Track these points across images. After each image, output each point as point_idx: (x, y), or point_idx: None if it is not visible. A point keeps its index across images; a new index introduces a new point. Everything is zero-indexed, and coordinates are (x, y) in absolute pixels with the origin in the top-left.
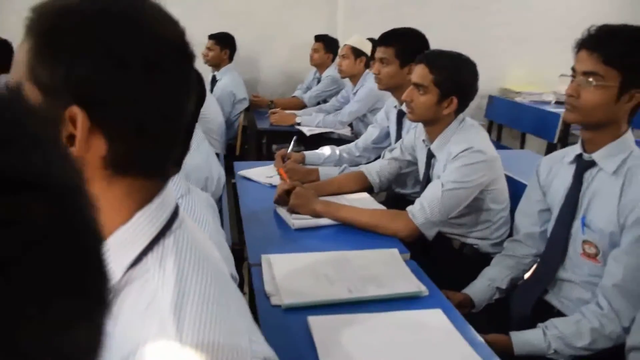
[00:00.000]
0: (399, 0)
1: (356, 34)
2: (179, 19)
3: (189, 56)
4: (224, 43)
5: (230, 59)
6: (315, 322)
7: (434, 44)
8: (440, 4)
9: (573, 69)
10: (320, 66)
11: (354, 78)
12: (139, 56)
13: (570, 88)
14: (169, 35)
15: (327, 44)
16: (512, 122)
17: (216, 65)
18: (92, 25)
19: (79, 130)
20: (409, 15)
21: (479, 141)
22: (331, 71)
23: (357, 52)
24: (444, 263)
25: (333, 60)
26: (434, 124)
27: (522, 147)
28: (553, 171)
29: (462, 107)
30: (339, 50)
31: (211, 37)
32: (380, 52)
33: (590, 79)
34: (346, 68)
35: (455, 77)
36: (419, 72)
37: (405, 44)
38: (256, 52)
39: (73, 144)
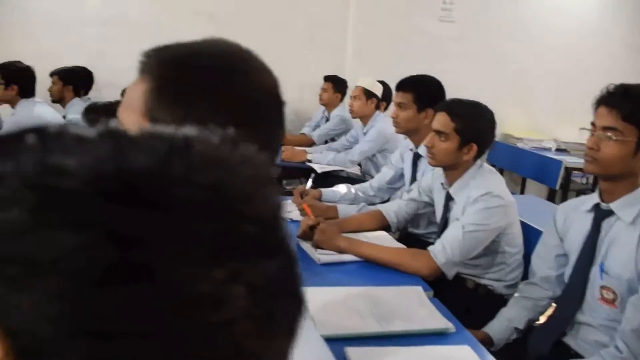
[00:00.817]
0: (404, 45)
1: (368, 77)
2: None
3: (283, 101)
4: None
5: None
6: (354, 353)
7: None
8: (444, 51)
9: (593, 124)
10: (329, 105)
11: (365, 118)
12: (247, 102)
13: (590, 141)
14: (271, 84)
15: (336, 84)
16: (513, 166)
17: None
18: (209, 75)
19: None
20: (413, 60)
21: (497, 186)
22: (340, 110)
23: (368, 94)
24: (458, 302)
25: (341, 100)
26: (454, 169)
27: (522, 191)
28: (570, 218)
29: (480, 153)
30: (351, 91)
31: None
32: (398, 97)
33: (609, 134)
34: (357, 109)
35: (475, 125)
36: (440, 120)
37: (422, 90)
38: None
39: None
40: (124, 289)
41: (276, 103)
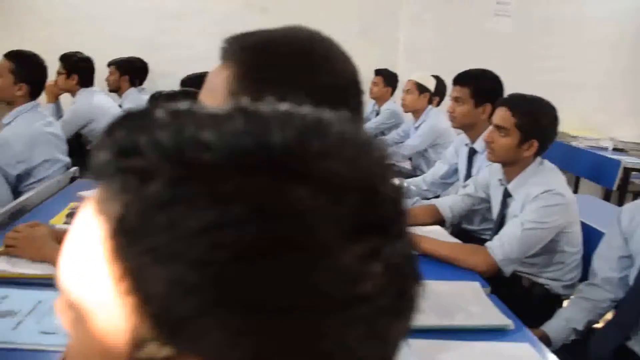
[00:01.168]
0: (456, 41)
1: (420, 71)
2: None
3: (362, 89)
4: None
5: None
6: (415, 345)
7: None
8: (497, 47)
9: None
10: (379, 99)
11: (417, 113)
12: (330, 89)
13: None
14: (352, 72)
15: (387, 78)
16: (567, 165)
17: None
18: (294, 61)
19: None
20: (465, 55)
21: (558, 184)
22: (390, 104)
23: (421, 88)
24: (512, 300)
25: (392, 94)
26: (513, 165)
27: (575, 191)
28: (636, 220)
29: (542, 149)
30: (404, 85)
31: None
32: (455, 92)
33: None
34: (410, 103)
35: (536, 121)
36: (501, 115)
37: (481, 85)
38: None
39: None
40: (267, 262)
41: (357, 91)
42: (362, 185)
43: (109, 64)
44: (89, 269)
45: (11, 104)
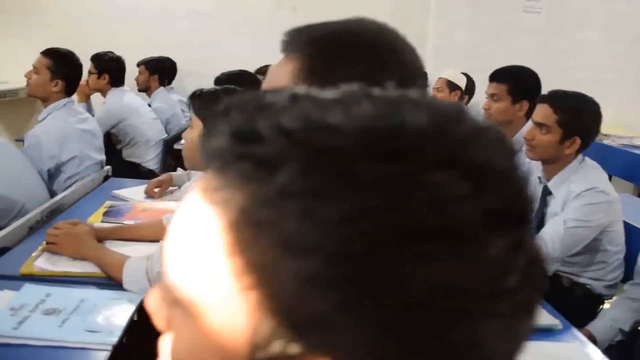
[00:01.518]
0: (485, 38)
1: (450, 68)
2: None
3: (428, 81)
4: None
5: None
6: None
7: None
8: (525, 45)
9: None
10: None
11: None
12: (399, 83)
13: None
14: (419, 64)
15: None
16: (600, 164)
17: None
18: (362, 53)
19: None
20: (494, 53)
21: (601, 181)
22: None
23: (452, 86)
24: (551, 300)
25: None
26: (553, 162)
27: None
28: None
29: (583, 147)
30: (434, 83)
31: None
32: (492, 88)
33: None
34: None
35: (579, 117)
36: (542, 112)
37: (518, 82)
38: None
39: None
40: (410, 254)
41: (424, 83)
42: (502, 173)
43: (139, 64)
44: (203, 264)
45: (45, 100)
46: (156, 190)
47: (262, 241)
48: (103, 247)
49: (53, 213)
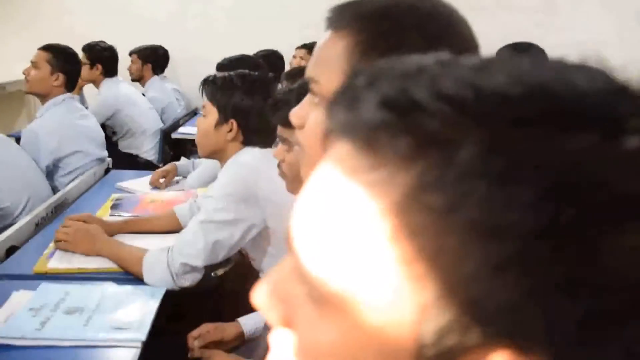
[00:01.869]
0: (488, 20)
1: None
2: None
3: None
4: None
5: None
6: None
7: None
8: (522, 23)
9: None
10: None
11: None
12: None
13: None
14: (473, 37)
15: None
16: None
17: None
18: (419, 28)
19: None
20: (498, 35)
21: None
22: None
23: None
24: None
25: None
26: None
27: None
28: None
29: None
30: None
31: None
32: None
33: None
34: None
35: None
36: None
37: None
38: None
39: None
40: (617, 237)
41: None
42: None
43: (131, 53)
44: (360, 253)
45: (45, 96)
46: (161, 181)
47: (438, 225)
48: (118, 241)
49: (58, 209)
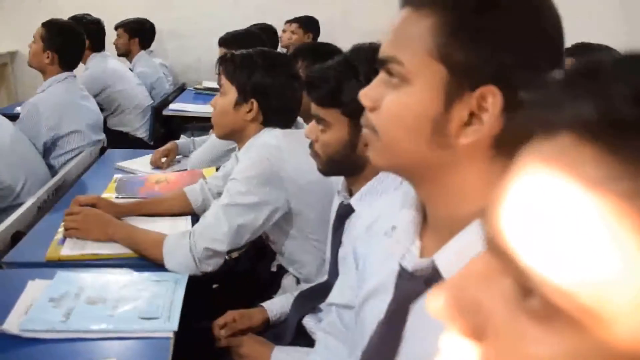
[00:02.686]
0: None
1: None
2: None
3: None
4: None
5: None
6: None
7: None
8: None
9: None
10: None
11: None
12: (554, 43)
13: None
14: (557, 17)
15: None
16: None
17: None
18: (513, 4)
19: (492, 108)
20: None
21: None
22: None
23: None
24: None
25: None
26: None
27: None
28: None
29: None
30: None
31: (295, 20)
32: None
33: None
34: None
35: None
36: None
37: None
38: (328, 36)
39: (470, 123)
40: None
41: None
42: None
43: (117, 27)
44: (611, 265)
45: (44, 73)
46: (163, 160)
47: None
48: (132, 226)
49: (59, 190)
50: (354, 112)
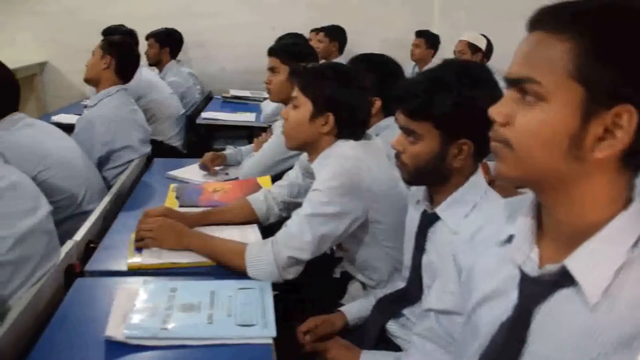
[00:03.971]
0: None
1: (471, 30)
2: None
3: None
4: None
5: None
6: None
7: None
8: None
9: None
10: (421, 61)
11: None
12: None
13: None
14: None
15: (429, 40)
16: None
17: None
18: None
19: (627, 125)
20: (502, 13)
21: None
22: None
23: (474, 48)
24: None
25: (433, 55)
26: None
27: None
28: None
29: None
30: (455, 46)
31: (321, 29)
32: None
33: None
34: None
35: None
36: None
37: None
38: (351, 44)
39: (604, 138)
40: None
41: None
42: None
43: (148, 37)
44: None
45: (98, 83)
46: (216, 168)
47: None
48: (208, 235)
49: (117, 200)
50: (446, 125)
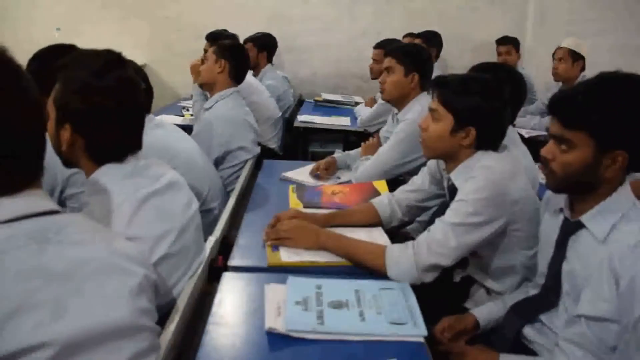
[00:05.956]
0: (588, 10)
1: (572, 37)
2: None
3: None
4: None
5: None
6: None
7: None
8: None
9: None
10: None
11: (569, 81)
12: None
13: None
14: None
15: (515, 46)
16: None
17: None
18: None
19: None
20: (598, 20)
21: None
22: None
23: (574, 55)
24: None
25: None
26: None
27: None
28: None
29: None
30: (556, 54)
31: (418, 35)
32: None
33: None
34: (562, 71)
35: None
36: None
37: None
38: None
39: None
40: None
41: None
42: None
43: (246, 41)
44: None
45: (212, 87)
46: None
47: None
48: (344, 236)
49: (241, 201)
50: (602, 135)
